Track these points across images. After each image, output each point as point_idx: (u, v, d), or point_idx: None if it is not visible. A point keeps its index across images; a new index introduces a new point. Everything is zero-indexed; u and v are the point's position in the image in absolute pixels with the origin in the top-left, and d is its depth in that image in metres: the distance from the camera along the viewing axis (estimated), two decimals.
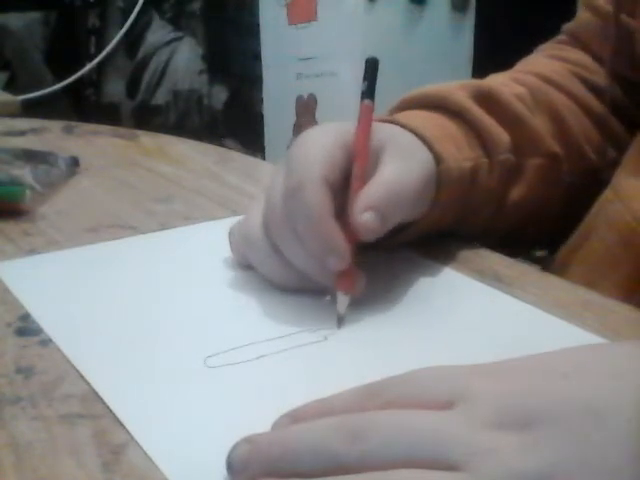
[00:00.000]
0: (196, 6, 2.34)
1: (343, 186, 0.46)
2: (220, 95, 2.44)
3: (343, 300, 0.45)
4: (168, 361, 0.41)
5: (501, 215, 0.57)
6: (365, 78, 0.49)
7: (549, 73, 0.64)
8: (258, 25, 2.18)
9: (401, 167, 0.47)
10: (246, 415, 0.36)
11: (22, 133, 0.87)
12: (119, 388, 0.38)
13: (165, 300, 0.48)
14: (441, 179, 0.51)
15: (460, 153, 0.53)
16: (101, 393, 0.38)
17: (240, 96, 2.41)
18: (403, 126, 0.51)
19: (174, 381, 0.39)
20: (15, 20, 2.10)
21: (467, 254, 0.53)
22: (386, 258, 0.53)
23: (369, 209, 0.44)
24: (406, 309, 0.46)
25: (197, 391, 0.38)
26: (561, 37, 0.70)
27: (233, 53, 2.37)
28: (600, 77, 0.64)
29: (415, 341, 0.43)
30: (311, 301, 0.47)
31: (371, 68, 0.49)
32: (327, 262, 0.44)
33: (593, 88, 0.64)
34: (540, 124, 0.59)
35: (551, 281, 0.50)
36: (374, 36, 1.98)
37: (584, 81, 0.64)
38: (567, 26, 0.69)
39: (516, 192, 0.58)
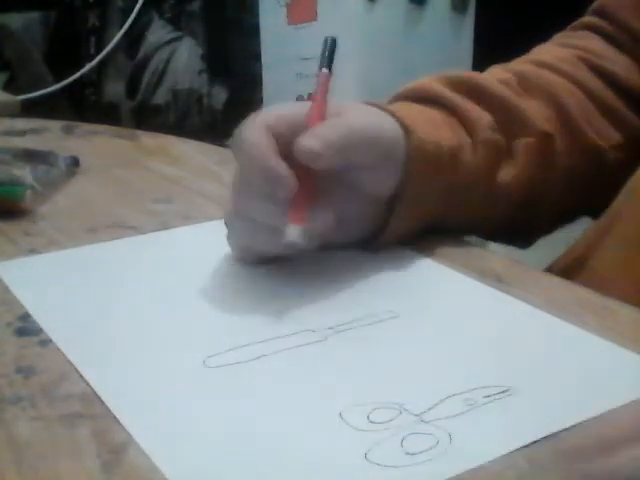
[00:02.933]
0: (196, 6, 2.34)
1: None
2: (220, 95, 2.44)
3: (292, 231, 0.46)
4: (168, 361, 0.41)
5: (492, 199, 0.57)
6: (324, 51, 0.52)
7: (550, 59, 0.64)
8: (258, 25, 2.18)
9: (357, 114, 0.50)
10: (246, 415, 0.36)
11: (22, 133, 0.87)
12: (119, 388, 0.38)
13: (165, 300, 0.48)
14: (411, 150, 0.51)
15: (439, 133, 0.53)
16: (100, 393, 0.38)
17: (240, 96, 2.41)
18: (372, 104, 0.53)
19: (174, 381, 0.39)
20: (15, 20, 2.10)
21: (467, 254, 0.53)
22: (386, 258, 0.53)
23: (312, 136, 0.46)
24: (406, 309, 0.46)
25: (197, 391, 0.38)
26: (581, 21, 0.69)
27: (233, 53, 2.36)
28: (610, 62, 0.64)
29: (414, 341, 0.43)
30: (311, 301, 0.47)
31: (330, 46, 0.53)
32: (275, 194, 0.46)
33: (601, 73, 0.64)
34: (530, 106, 0.59)
35: (551, 281, 0.50)
36: (374, 36, 1.98)
37: (591, 66, 0.64)
38: (593, 5, 0.69)
39: (506, 173, 0.57)
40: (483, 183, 0.56)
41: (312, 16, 2.05)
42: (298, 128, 0.47)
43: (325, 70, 0.52)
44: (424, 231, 0.55)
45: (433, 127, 0.53)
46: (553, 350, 0.42)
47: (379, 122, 0.50)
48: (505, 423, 0.35)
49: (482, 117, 0.56)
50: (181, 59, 2.37)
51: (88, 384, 0.39)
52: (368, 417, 0.36)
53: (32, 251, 0.55)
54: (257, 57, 2.21)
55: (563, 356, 0.41)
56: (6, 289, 0.49)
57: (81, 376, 0.39)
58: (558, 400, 0.37)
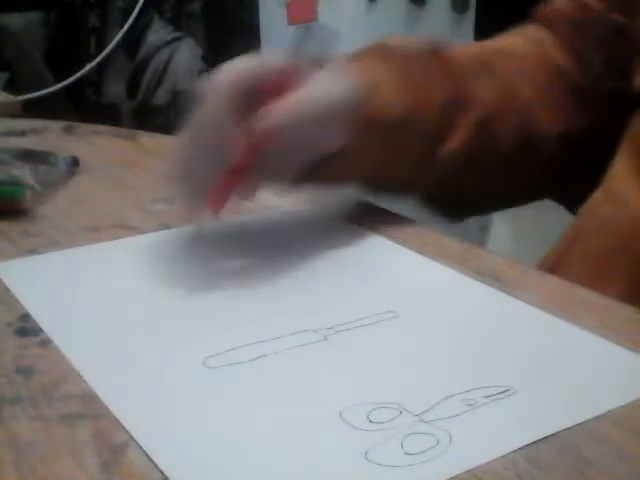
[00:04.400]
0: (196, 6, 2.34)
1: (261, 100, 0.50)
2: None
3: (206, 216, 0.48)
4: (168, 362, 0.41)
5: (427, 169, 0.59)
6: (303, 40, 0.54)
7: (510, 44, 0.67)
8: (258, 25, 2.17)
9: (317, 86, 0.51)
10: (246, 415, 0.36)
11: (22, 133, 0.87)
12: (118, 389, 0.38)
13: (165, 300, 0.48)
14: (359, 119, 0.53)
15: (392, 101, 0.55)
16: (100, 394, 0.38)
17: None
18: (335, 64, 0.54)
19: (174, 382, 0.39)
20: (15, 20, 2.10)
21: (467, 254, 0.53)
22: (386, 257, 0.53)
23: (279, 110, 0.48)
24: (405, 309, 0.46)
25: (197, 391, 0.38)
26: (533, 22, 0.71)
27: (233, 53, 2.36)
28: (560, 57, 0.65)
29: (414, 341, 0.43)
30: (311, 300, 0.47)
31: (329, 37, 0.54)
32: (215, 160, 0.48)
33: (551, 65, 0.65)
34: (483, 83, 0.61)
35: (551, 281, 0.50)
36: (374, 36, 1.98)
37: (543, 56, 0.66)
38: (540, 11, 0.70)
39: (446, 145, 0.59)
40: (419, 154, 0.58)
41: (312, 16, 2.05)
42: (266, 85, 0.50)
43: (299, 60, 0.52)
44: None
45: (387, 94, 0.55)
46: (553, 350, 0.42)
47: (337, 93, 0.52)
48: (505, 423, 0.36)
49: (438, 92, 0.58)
50: (181, 59, 2.37)
51: (88, 384, 0.39)
52: (368, 417, 0.36)
53: (32, 251, 0.55)
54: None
55: (563, 356, 0.41)
56: (6, 289, 0.49)
57: (81, 376, 0.39)
58: (558, 400, 0.37)
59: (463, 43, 0.66)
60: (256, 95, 0.50)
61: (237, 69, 0.51)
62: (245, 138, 0.48)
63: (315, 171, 0.54)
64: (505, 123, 0.62)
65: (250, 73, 0.51)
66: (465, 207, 0.66)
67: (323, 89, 0.52)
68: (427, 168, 0.59)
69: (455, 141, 0.59)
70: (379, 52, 0.59)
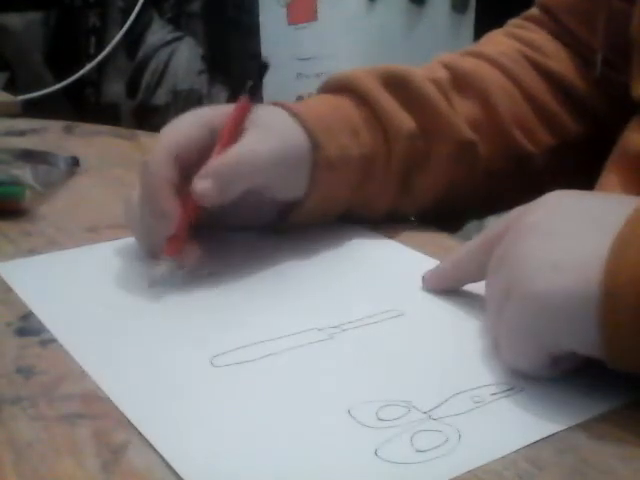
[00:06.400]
0: (196, 6, 2.34)
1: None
2: (220, 95, 2.43)
3: (163, 265, 0.48)
4: (175, 361, 0.41)
5: (408, 199, 0.58)
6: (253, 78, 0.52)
7: (497, 55, 0.64)
8: (258, 25, 2.17)
9: (251, 140, 0.50)
10: (253, 413, 0.36)
11: (22, 133, 0.87)
12: (126, 388, 0.38)
13: (168, 300, 0.48)
14: (318, 164, 0.52)
15: (354, 140, 0.54)
16: (107, 392, 0.38)
17: (240, 96, 2.40)
18: (288, 109, 0.53)
19: (181, 380, 0.39)
20: (15, 20, 2.10)
21: None
22: (388, 256, 0.53)
23: (208, 176, 0.47)
24: (410, 307, 0.46)
25: (204, 390, 0.38)
26: (532, 11, 0.69)
27: (233, 53, 2.36)
28: (555, 61, 0.64)
29: (420, 339, 0.43)
30: (316, 300, 0.47)
31: (260, 70, 0.52)
32: (157, 226, 0.48)
33: (543, 72, 0.64)
34: (458, 108, 0.59)
35: None
36: (374, 36, 1.98)
37: (535, 65, 0.64)
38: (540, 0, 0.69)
39: (423, 177, 0.58)
40: (395, 187, 0.57)
41: (312, 16, 2.05)
42: (206, 151, 0.49)
43: (245, 98, 0.52)
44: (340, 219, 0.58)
45: (349, 133, 0.54)
46: None
47: (283, 142, 0.51)
48: (514, 421, 0.36)
49: (404, 124, 0.56)
50: (181, 59, 2.37)
51: (88, 384, 0.39)
52: (377, 414, 0.36)
53: (32, 251, 0.55)
54: (257, 57, 2.21)
55: None
56: (6, 289, 0.49)
57: (81, 376, 0.39)
58: (563, 398, 0.37)
59: (430, 66, 0.63)
60: (203, 152, 0.49)
61: (180, 132, 0.50)
62: (183, 206, 0.48)
63: (284, 215, 0.54)
64: (490, 144, 0.60)
65: (194, 134, 0.50)
66: (457, 220, 0.65)
67: (254, 141, 0.50)
68: (407, 198, 0.58)
69: (433, 171, 0.58)
70: (337, 88, 0.58)
